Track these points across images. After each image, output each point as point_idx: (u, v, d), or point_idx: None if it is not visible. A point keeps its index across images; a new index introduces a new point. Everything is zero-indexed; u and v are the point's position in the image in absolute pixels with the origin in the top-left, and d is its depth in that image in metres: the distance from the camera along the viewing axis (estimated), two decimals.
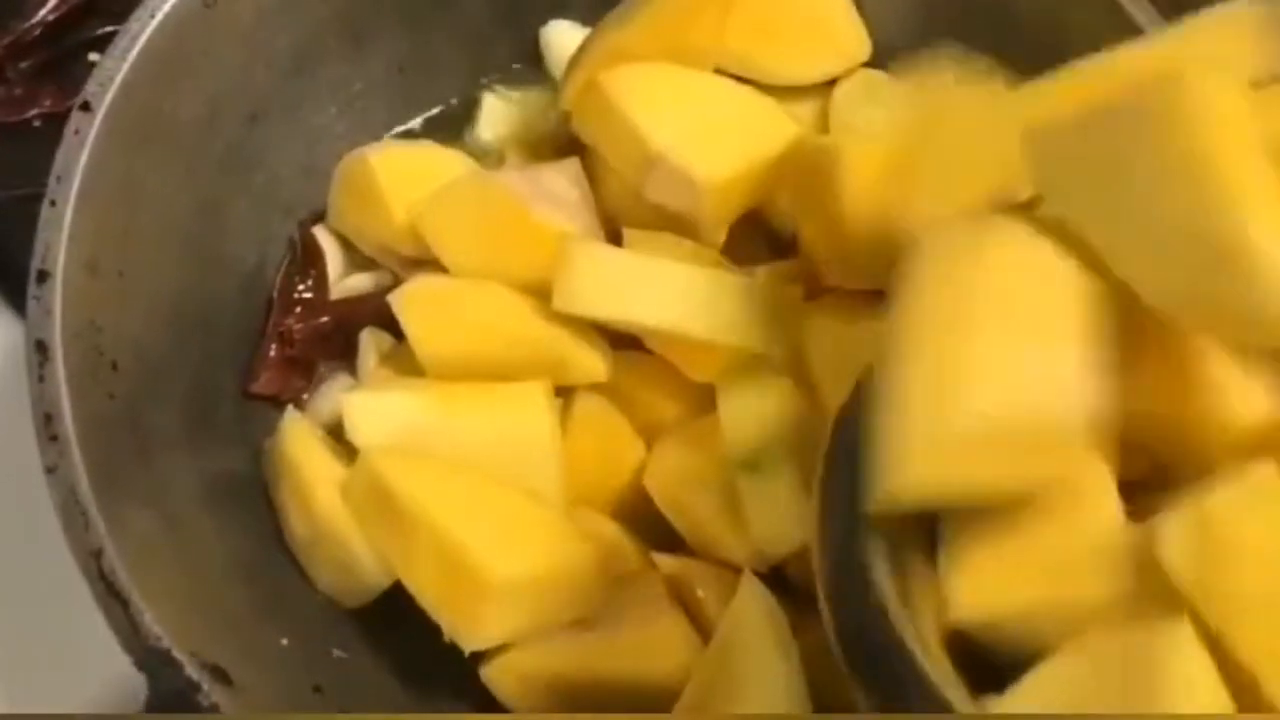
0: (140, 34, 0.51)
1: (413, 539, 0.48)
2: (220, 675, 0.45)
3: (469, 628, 0.47)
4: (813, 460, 0.52)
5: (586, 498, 0.54)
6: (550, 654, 0.50)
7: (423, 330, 0.54)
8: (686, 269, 0.52)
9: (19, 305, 0.52)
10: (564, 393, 0.55)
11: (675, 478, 0.54)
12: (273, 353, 0.58)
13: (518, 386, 0.53)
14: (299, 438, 0.54)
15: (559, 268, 0.52)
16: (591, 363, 0.54)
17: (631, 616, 0.52)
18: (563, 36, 0.64)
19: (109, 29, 0.53)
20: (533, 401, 0.53)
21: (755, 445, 0.52)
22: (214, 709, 0.44)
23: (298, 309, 0.58)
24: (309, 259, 0.60)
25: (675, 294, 0.52)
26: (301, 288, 0.59)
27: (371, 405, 0.52)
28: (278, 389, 0.57)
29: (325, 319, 0.58)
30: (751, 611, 0.49)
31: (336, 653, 0.52)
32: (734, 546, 0.52)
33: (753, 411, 0.53)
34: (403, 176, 0.57)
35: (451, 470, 0.51)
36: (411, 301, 0.54)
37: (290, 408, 0.56)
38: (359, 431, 0.52)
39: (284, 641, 0.51)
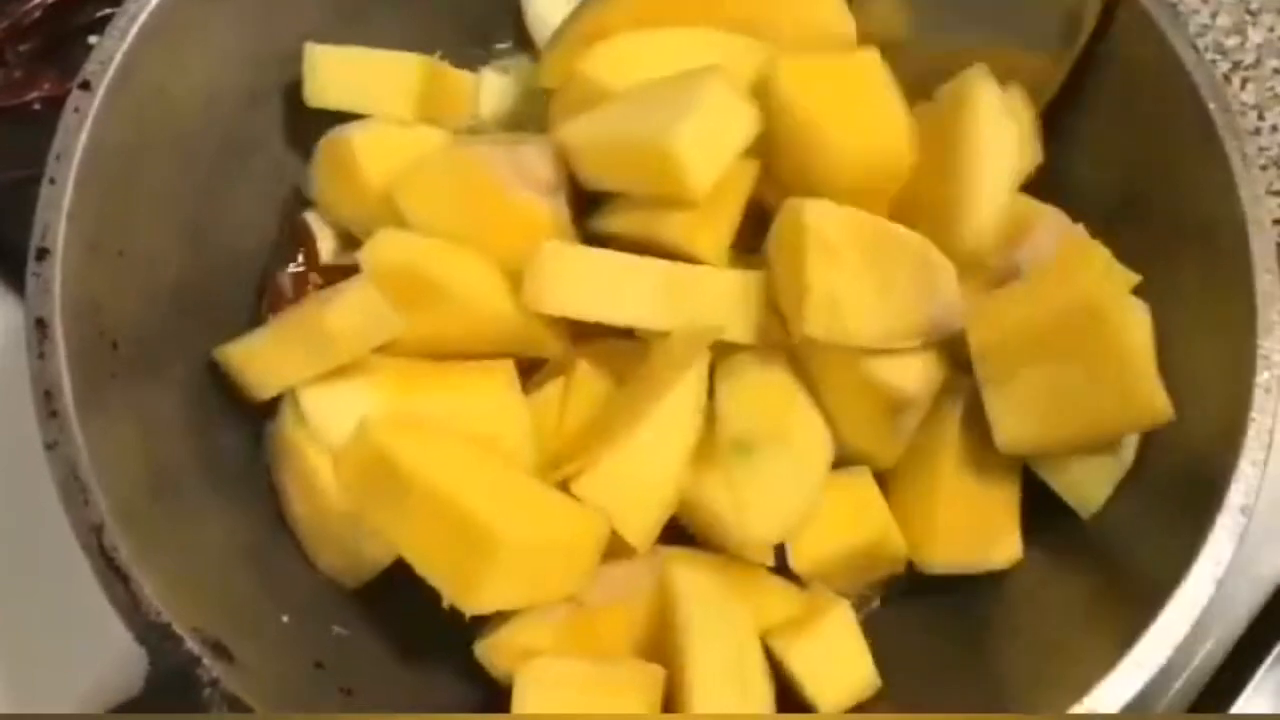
0: (139, 13, 0.51)
1: (414, 507, 0.48)
2: (221, 651, 0.45)
3: (471, 592, 0.47)
4: (807, 441, 0.53)
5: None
6: (541, 631, 0.50)
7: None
8: (655, 264, 0.52)
9: (20, 288, 0.52)
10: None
11: None
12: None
13: (480, 367, 0.53)
14: (300, 420, 0.53)
15: (528, 266, 0.52)
16: (555, 343, 0.55)
17: (620, 597, 0.52)
18: (543, 10, 0.63)
19: (108, 11, 0.52)
20: (497, 383, 0.53)
21: (748, 427, 0.52)
22: (214, 684, 0.44)
23: (289, 281, 0.58)
24: (296, 240, 0.59)
25: (645, 290, 0.52)
26: (292, 266, 0.59)
27: (331, 400, 0.52)
28: None
29: (321, 283, 0.58)
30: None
31: (337, 630, 0.53)
32: (730, 530, 0.52)
33: (745, 394, 0.53)
34: (383, 154, 0.57)
35: (450, 440, 0.51)
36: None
37: (290, 390, 0.55)
38: (323, 429, 0.52)
39: (285, 618, 0.51)
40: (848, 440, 0.54)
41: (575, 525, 0.50)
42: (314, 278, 0.59)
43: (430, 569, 0.48)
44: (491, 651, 0.50)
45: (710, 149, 0.51)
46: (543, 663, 0.49)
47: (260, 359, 0.53)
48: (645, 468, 0.51)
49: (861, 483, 0.55)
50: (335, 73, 0.59)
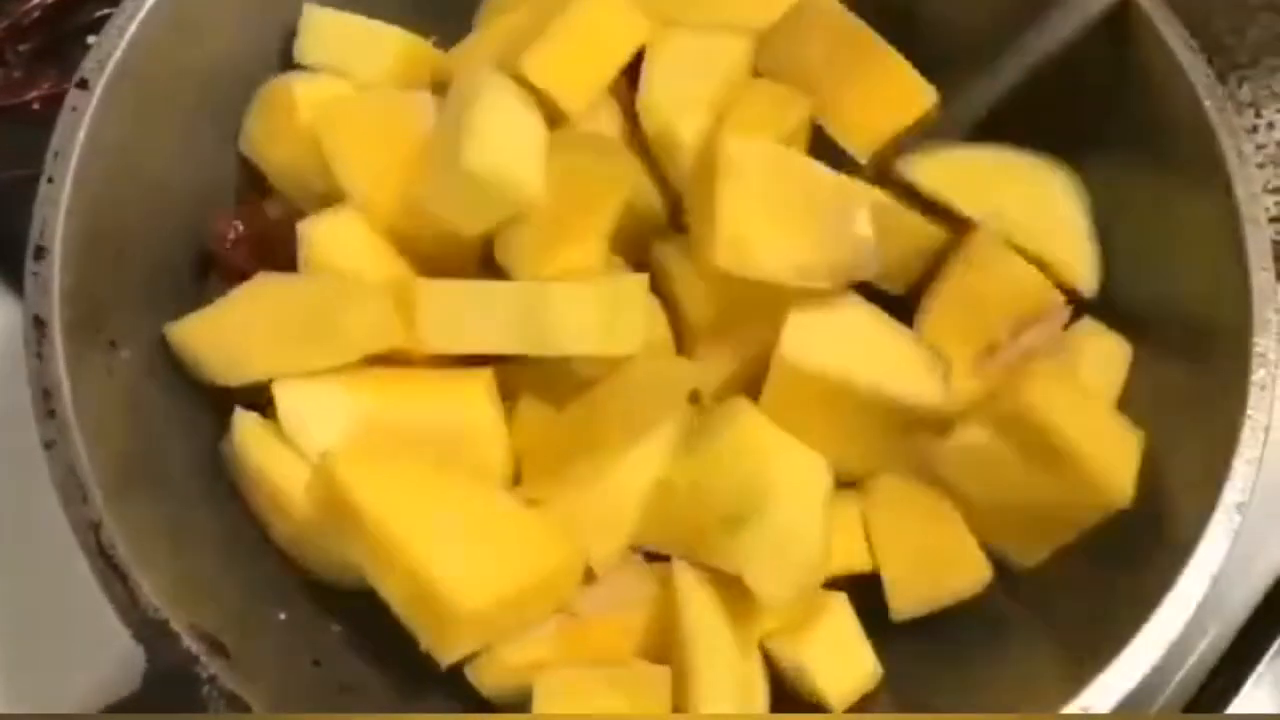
0: (137, 12, 0.52)
1: (380, 555, 0.47)
2: (218, 647, 0.45)
3: (440, 648, 0.47)
4: (798, 491, 0.50)
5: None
6: (532, 648, 0.50)
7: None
8: (507, 288, 0.51)
9: (20, 288, 0.52)
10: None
11: None
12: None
13: (458, 375, 0.52)
14: (256, 440, 0.51)
15: (413, 310, 0.51)
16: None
17: (613, 607, 0.52)
18: None
19: (108, 11, 0.53)
20: (476, 392, 0.52)
21: (732, 499, 0.50)
22: (212, 681, 0.44)
23: (230, 235, 0.57)
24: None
25: (502, 316, 0.50)
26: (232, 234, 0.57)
27: (307, 400, 0.50)
28: None
29: (259, 227, 0.57)
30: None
31: (334, 627, 0.52)
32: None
33: (719, 461, 0.51)
34: (321, 99, 0.56)
35: (414, 476, 0.49)
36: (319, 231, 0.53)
37: (238, 409, 0.52)
38: (297, 430, 0.50)
39: (281, 616, 0.51)
40: (841, 461, 0.53)
41: (551, 557, 0.49)
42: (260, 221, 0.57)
43: (401, 614, 0.47)
44: (482, 673, 0.50)
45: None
46: (560, 670, 0.49)
47: (234, 344, 0.52)
48: (616, 501, 0.51)
49: (848, 514, 0.55)
50: (325, 33, 0.59)
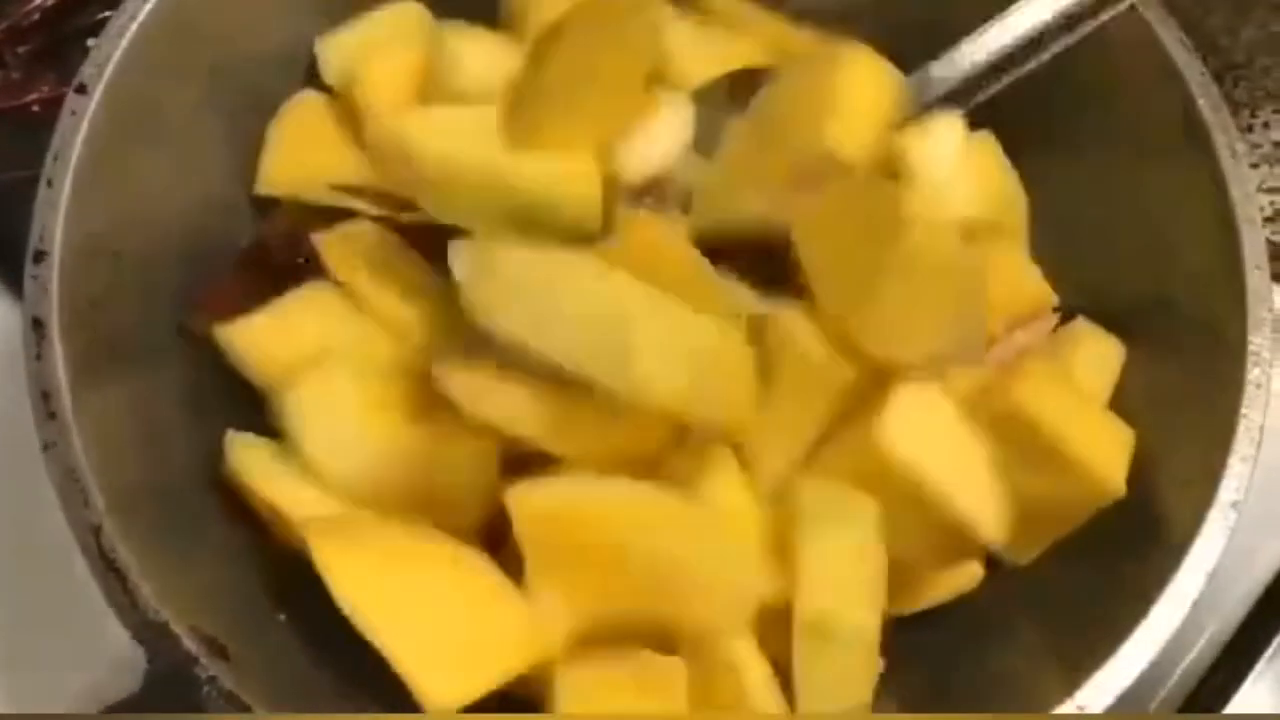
0: (136, 15, 0.52)
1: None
2: (217, 649, 0.45)
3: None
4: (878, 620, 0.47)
5: None
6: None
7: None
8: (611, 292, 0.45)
9: (19, 290, 0.52)
10: None
11: None
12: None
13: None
14: (250, 463, 0.51)
15: (470, 274, 0.47)
16: None
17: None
18: None
19: (108, 14, 0.53)
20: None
21: (829, 610, 0.47)
22: (212, 682, 0.44)
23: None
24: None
25: (592, 322, 0.44)
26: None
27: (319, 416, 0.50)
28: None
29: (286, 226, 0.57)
30: None
31: (334, 628, 0.52)
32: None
33: (833, 567, 0.48)
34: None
35: (389, 554, 0.47)
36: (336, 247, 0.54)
37: (230, 432, 0.52)
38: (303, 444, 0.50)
39: (281, 617, 0.51)
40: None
41: (533, 641, 0.47)
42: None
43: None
44: None
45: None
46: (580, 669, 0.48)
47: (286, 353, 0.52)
48: None
49: None
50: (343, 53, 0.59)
